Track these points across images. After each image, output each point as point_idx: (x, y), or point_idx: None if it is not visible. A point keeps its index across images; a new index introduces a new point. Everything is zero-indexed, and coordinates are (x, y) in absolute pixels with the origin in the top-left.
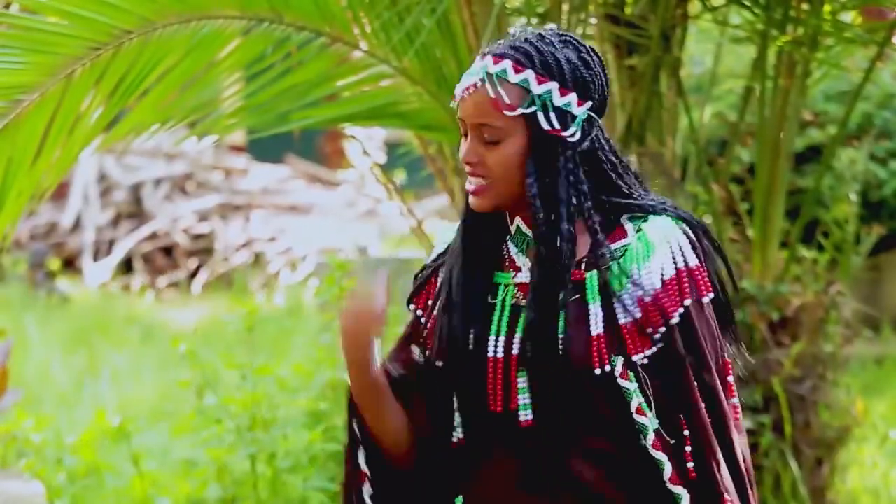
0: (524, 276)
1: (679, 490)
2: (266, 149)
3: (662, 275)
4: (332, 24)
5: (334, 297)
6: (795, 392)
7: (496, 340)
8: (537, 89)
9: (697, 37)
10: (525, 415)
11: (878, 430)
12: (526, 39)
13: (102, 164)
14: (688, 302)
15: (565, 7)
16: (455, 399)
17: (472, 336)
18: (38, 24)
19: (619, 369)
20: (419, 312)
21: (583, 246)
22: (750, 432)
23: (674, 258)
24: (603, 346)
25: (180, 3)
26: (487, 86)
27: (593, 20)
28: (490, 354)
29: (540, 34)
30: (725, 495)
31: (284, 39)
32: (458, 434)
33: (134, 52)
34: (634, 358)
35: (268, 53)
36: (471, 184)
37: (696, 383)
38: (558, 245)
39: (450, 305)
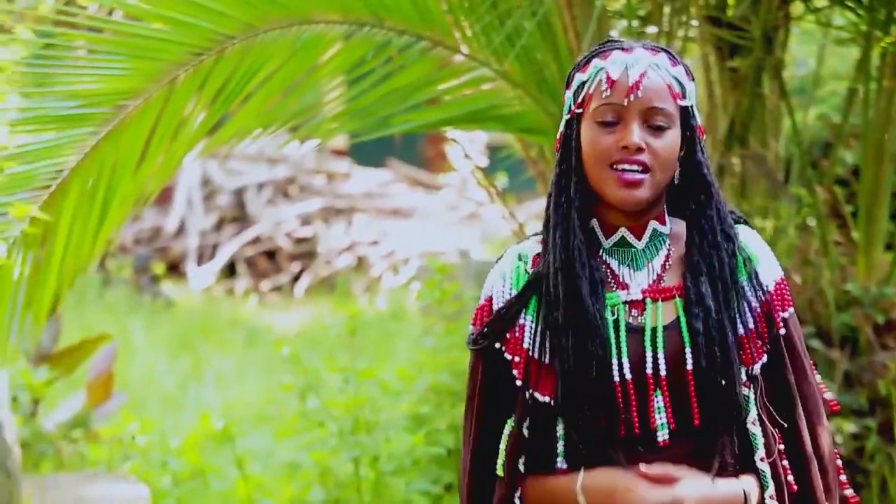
0: (635, 293)
1: None
2: (368, 153)
3: (767, 286)
4: (433, 28)
5: (436, 301)
6: None
7: (620, 364)
8: (689, 85)
9: (800, 38)
10: (663, 434)
11: None
12: (645, 42)
13: (206, 168)
14: (787, 313)
15: (667, 9)
16: (564, 428)
17: (594, 363)
18: (142, 30)
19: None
20: (511, 356)
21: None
22: (855, 436)
23: (772, 269)
24: (750, 346)
25: (282, 8)
26: (658, 72)
27: (695, 22)
28: (616, 379)
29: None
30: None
31: (385, 44)
32: (559, 465)
33: (236, 58)
34: (751, 368)
35: (369, 58)
36: (630, 175)
37: (797, 392)
38: (725, 239)
39: (574, 334)
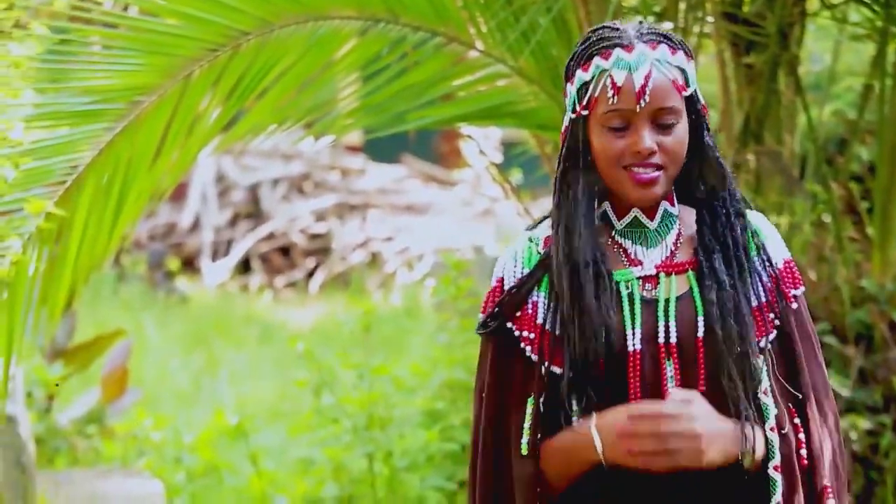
0: (649, 269)
1: (778, 476)
2: (382, 149)
3: (776, 262)
4: (448, 24)
5: (451, 297)
6: None
7: (633, 334)
8: (689, 67)
9: (816, 34)
10: None
11: None
12: (642, 28)
13: (220, 164)
14: (798, 290)
15: (682, 5)
16: (577, 402)
17: (607, 334)
18: (157, 26)
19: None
20: (524, 333)
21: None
22: (870, 433)
23: (780, 248)
24: (763, 318)
25: (297, 4)
26: (661, 70)
27: (710, 18)
28: (630, 349)
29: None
30: (827, 484)
31: (400, 39)
32: None
33: (251, 54)
34: (761, 341)
35: (384, 54)
36: (646, 174)
37: (807, 370)
38: (737, 219)
39: (583, 310)
